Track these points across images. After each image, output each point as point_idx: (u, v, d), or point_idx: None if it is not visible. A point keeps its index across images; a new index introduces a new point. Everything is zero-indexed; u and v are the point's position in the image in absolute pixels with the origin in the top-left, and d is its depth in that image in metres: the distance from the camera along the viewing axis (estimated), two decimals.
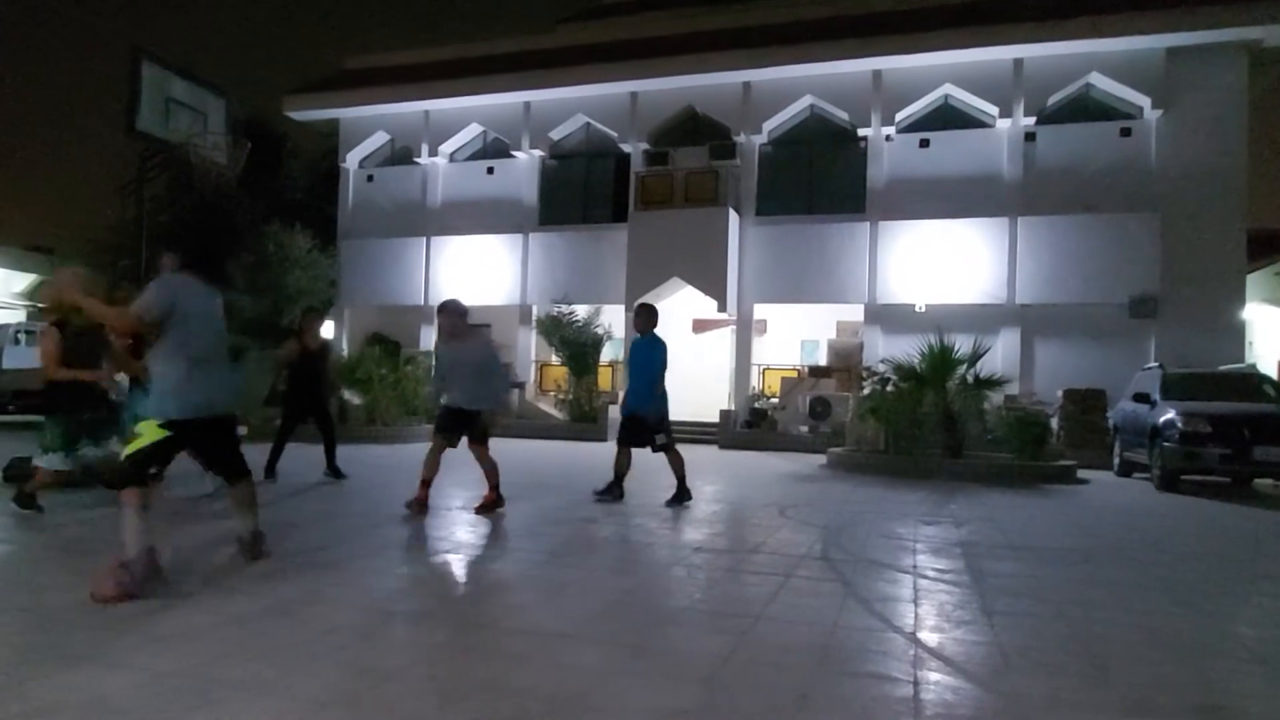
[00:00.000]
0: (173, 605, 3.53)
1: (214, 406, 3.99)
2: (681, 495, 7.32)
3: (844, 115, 18.19)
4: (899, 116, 17.73)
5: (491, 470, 6.53)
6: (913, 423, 11.59)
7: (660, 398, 7.37)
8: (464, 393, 6.44)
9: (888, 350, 15.30)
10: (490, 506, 6.41)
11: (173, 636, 3.08)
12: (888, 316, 17.58)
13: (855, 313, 18.23)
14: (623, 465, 7.48)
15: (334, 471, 8.27)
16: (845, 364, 17.60)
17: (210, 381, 3.95)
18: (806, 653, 3.15)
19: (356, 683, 2.67)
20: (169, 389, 3.85)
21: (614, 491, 7.45)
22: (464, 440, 6.50)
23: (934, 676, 2.92)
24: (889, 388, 12.25)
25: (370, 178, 22.24)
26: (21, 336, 18.79)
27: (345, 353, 19.42)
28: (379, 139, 22.01)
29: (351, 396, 15.84)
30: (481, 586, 4.12)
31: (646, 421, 7.30)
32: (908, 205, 17.49)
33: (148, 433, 3.82)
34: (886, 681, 2.87)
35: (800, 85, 18.19)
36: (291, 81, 23.08)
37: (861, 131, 17.99)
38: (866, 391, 12.85)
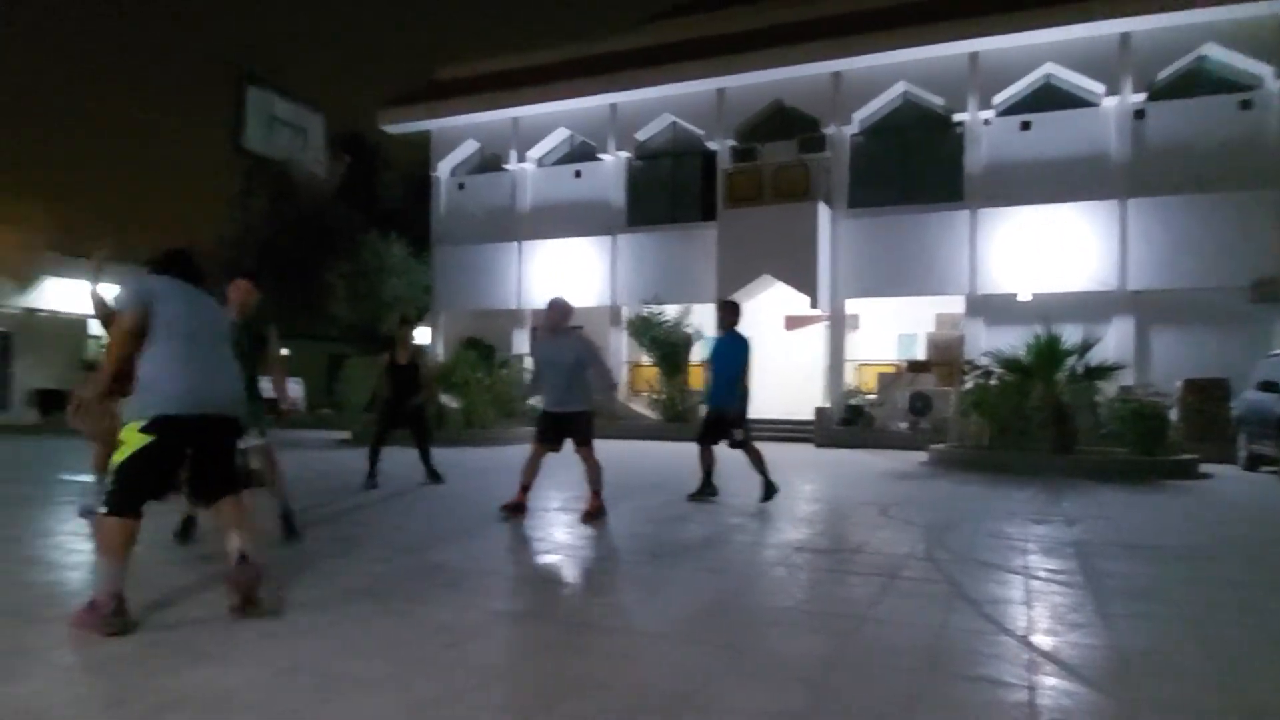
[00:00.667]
0: (293, 604, 3.68)
1: (204, 404, 3.45)
2: (770, 490, 7.15)
3: (939, 101, 17.62)
4: (997, 99, 17.05)
5: (594, 474, 6.29)
6: (1019, 417, 11.12)
7: (741, 395, 7.31)
8: (554, 395, 6.34)
9: (990, 342, 14.71)
10: (594, 515, 6.16)
11: (291, 634, 3.21)
12: (990, 307, 16.93)
13: (955, 304, 17.62)
14: (708, 463, 7.43)
15: (432, 475, 8.48)
16: (945, 358, 17.03)
17: (200, 378, 3.46)
18: (915, 655, 3.05)
19: (467, 680, 2.72)
20: (150, 386, 3.38)
21: (706, 491, 7.39)
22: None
23: (1049, 681, 2.78)
24: (993, 381, 11.78)
25: (461, 185, 22.83)
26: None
27: (440, 357, 19.99)
28: (469, 147, 22.57)
29: (448, 401, 16.28)
30: (583, 586, 4.16)
31: (727, 418, 7.24)
32: (1009, 191, 16.79)
33: (129, 439, 3.34)
34: (1000, 686, 2.74)
35: (892, 72, 17.71)
36: (385, 96, 23.89)
37: (958, 117, 17.38)
38: (969, 385, 12.39)
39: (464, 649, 3.06)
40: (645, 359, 19.45)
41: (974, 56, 17.04)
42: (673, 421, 17.37)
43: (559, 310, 6.49)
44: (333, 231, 25.25)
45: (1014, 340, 11.89)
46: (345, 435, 15.70)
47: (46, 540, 5.25)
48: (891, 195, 18.07)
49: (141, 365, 3.41)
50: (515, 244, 21.53)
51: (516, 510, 6.24)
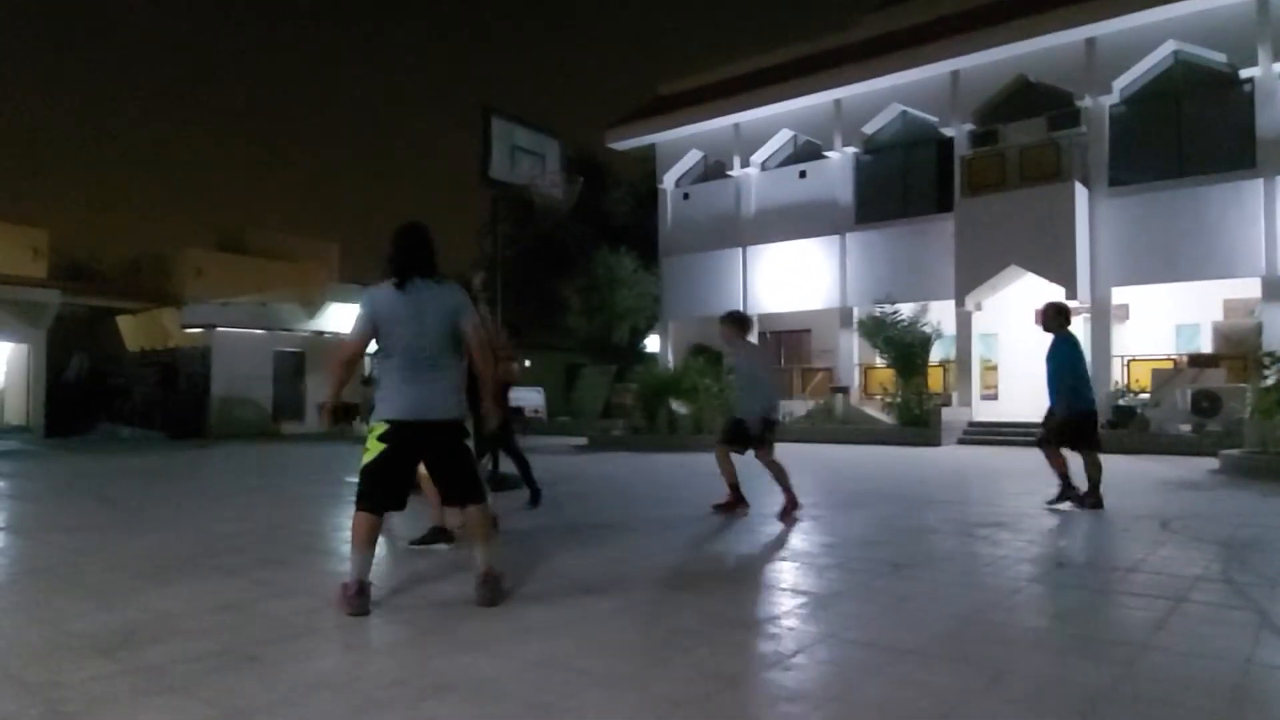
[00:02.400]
0: (538, 601, 3.91)
1: (425, 410, 3.66)
2: (1066, 496, 6.88)
3: (1220, 57, 15.38)
4: None
5: (779, 475, 6.56)
6: None
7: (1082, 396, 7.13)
8: (737, 401, 6.86)
9: None
10: (788, 512, 6.42)
11: (540, 629, 3.40)
12: None
13: (1248, 288, 15.26)
14: (1093, 472, 7.01)
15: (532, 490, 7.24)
16: (1238, 350, 14.80)
17: (420, 388, 3.67)
18: (1212, 692, 2.63)
19: (706, 685, 2.72)
20: (382, 397, 3.72)
21: (1068, 495, 6.92)
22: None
23: None
24: None
25: (686, 195, 23.29)
26: None
27: (671, 365, 20.46)
28: (692, 157, 22.98)
29: (678, 407, 16.63)
30: (820, 595, 4.03)
31: (1090, 419, 7.14)
32: None
33: (371, 446, 3.68)
34: None
35: (1160, 30, 15.73)
36: (611, 115, 24.99)
37: (1245, 73, 15.07)
38: (1271, 381, 10.63)
39: (699, 654, 3.07)
40: (879, 360, 18.70)
41: (1263, 1, 14.70)
42: (909, 425, 16.52)
43: (728, 321, 6.84)
44: (567, 248, 26.78)
45: None
46: (582, 441, 16.53)
47: (336, 533, 5.97)
48: (1162, 169, 16.03)
49: (378, 376, 3.80)
50: (740, 250, 21.60)
51: (729, 508, 6.64)
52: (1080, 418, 7.00)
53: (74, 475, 10.65)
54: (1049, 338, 7.13)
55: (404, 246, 3.78)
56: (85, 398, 22.74)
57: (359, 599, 3.59)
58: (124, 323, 24.92)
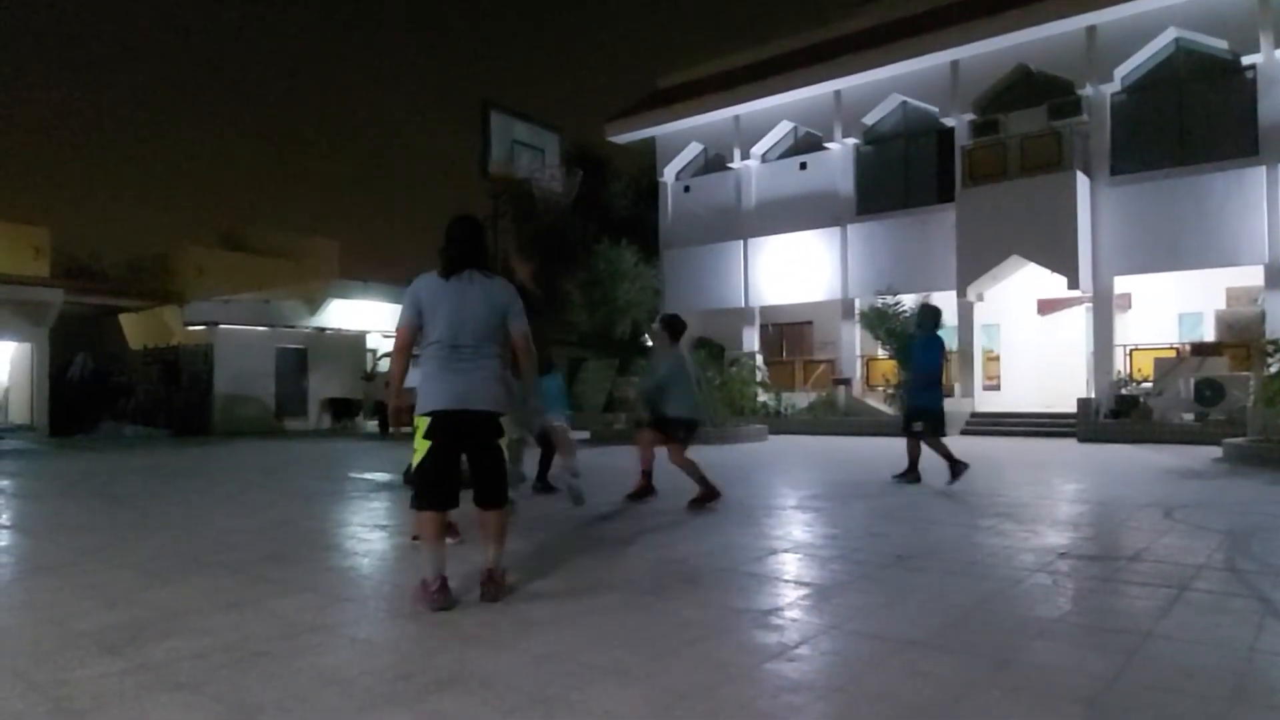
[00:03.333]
0: (542, 594, 3.92)
1: (465, 400, 3.65)
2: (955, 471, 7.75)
3: (1221, 44, 15.32)
4: None
5: (691, 471, 6.74)
6: None
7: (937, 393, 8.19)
8: (664, 401, 6.90)
9: None
10: (701, 501, 6.61)
11: (544, 622, 3.41)
12: None
13: (1251, 276, 15.23)
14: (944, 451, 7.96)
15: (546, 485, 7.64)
16: (1240, 338, 14.77)
17: (459, 378, 3.67)
18: (1216, 679, 2.64)
19: (711, 677, 2.73)
20: (424, 385, 3.70)
21: (909, 476, 8.09)
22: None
23: None
24: None
25: (687, 188, 23.25)
26: (410, 361, 22.35)
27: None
28: (693, 150, 22.93)
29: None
30: (823, 586, 4.04)
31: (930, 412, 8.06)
32: None
33: (419, 445, 3.66)
34: None
35: (1161, 17, 15.65)
36: (610, 108, 24.96)
37: (1247, 60, 15.02)
38: (1274, 370, 10.63)
39: (705, 645, 3.08)
40: (880, 352, 18.69)
41: None
42: None
43: (667, 327, 7.32)
44: (568, 242, 26.74)
45: None
46: (584, 435, 16.53)
47: (342, 529, 5.99)
48: (1164, 157, 15.98)
49: (422, 368, 3.73)
50: (740, 242, 21.56)
51: (642, 494, 7.02)
52: (922, 410, 8.09)
53: (78, 474, 10.68)
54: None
55: (454, 238, 3.79)
56: (89, 396, 22.77)
57: (440, 594, 3.60)
58: (127, 321, 24.94)
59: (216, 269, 25.75)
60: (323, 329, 24.51)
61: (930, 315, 8.24)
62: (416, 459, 3.67)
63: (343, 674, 2.80)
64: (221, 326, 22.19)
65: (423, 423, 3.65)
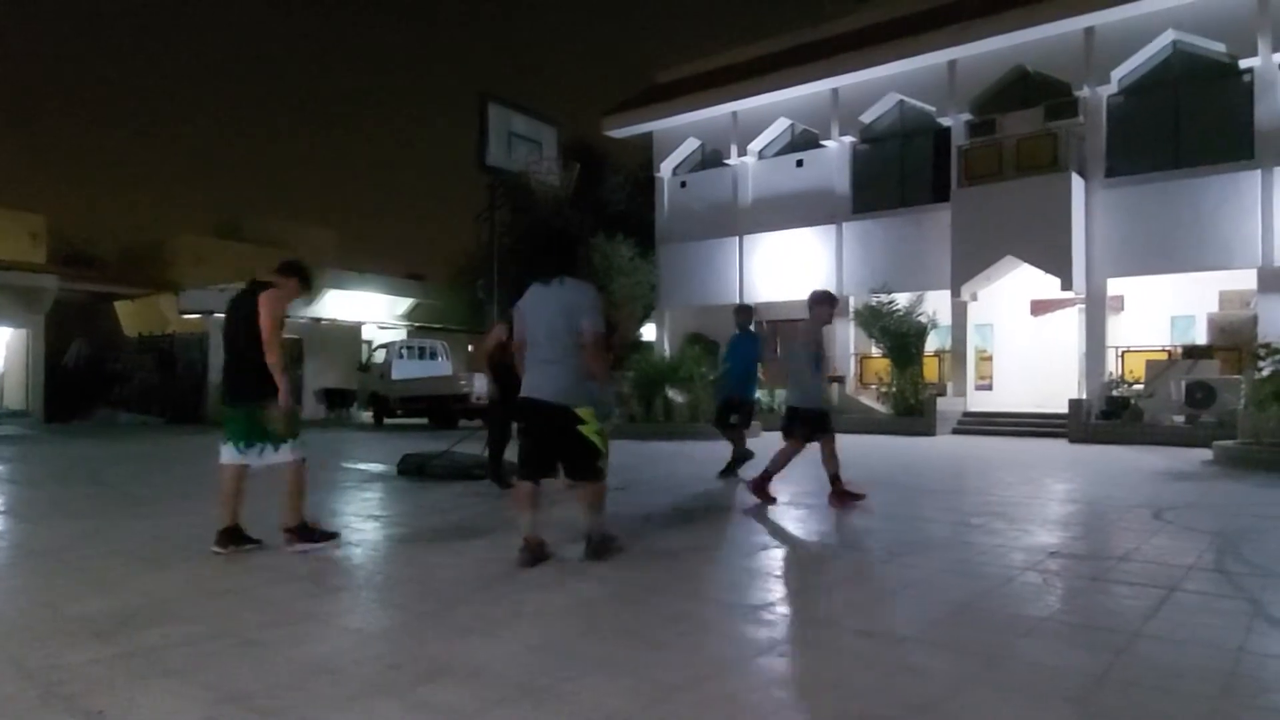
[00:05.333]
0: (533, 585, 3.93)
1: (537, 391, 4.24)
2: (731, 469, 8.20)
3: (1219, 47, 15.33)
4: None
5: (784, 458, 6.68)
6: None
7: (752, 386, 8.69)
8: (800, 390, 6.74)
9: None
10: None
11: (538, 614, 3.42)
12: None
13: (1244, 279, 15.26)
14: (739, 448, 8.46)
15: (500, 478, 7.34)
16: (1232, 341, 14.81)
17: (538, 372, 4.27)
18: (1204, 679, 2.66)
19: (702, 670, 2.74)
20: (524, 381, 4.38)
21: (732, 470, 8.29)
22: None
23: None
24: None
25: (683, 184, 23.21)
26: (405, 352, 22.34)
27: (667, 353, 20.47)
28: (690, 145, 22.89)
29: (675, 395, 16.65)
30: (818, 582, 4.05)
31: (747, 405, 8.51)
32: None
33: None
34: None
35: (1159, 20, 15.65)
36: (608, 103, 24.91)
37: (1244, 63, 15.02)
38: (1266, 373, 10.66)
39: (697, 639, 3.09)
40: (875, 350, 18.72)
41: None
42: (905, 415, 16.55)
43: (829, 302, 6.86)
44: (565, 236, 26.66)
45: None
46: None
47: (335, 519, 5.98)
48: (1159, 160, 16.00)
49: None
50: (736, 238, 21.55)
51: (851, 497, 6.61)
52: (740, 403, 8.50)
53: (73, 460, 10.65)
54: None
55: (541, 249, 4.58)
56: (84, 383, 22.69)
57: (523, 553, 4.24)
58: (122, 308, 24.84)
59: (213, 258, 25.65)
60: (319, 319, 24.46)
61: (745, 314, 8.89)
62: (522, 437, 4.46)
63: (333, 663, 2.81)
64: (217, 315, 22.07)
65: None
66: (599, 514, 4.50)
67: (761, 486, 6.53)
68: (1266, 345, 11.34)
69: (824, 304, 6.66)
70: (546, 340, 4.25)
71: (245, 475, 4.67)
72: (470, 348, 26.95)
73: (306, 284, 4.80)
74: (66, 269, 23.48)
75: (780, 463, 6.56)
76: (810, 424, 6.53)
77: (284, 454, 4.64)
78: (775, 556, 4.69)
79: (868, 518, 6.05)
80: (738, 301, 21.21)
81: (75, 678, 2.63)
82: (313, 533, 4.74)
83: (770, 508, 6.36)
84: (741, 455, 8.40)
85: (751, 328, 8.84)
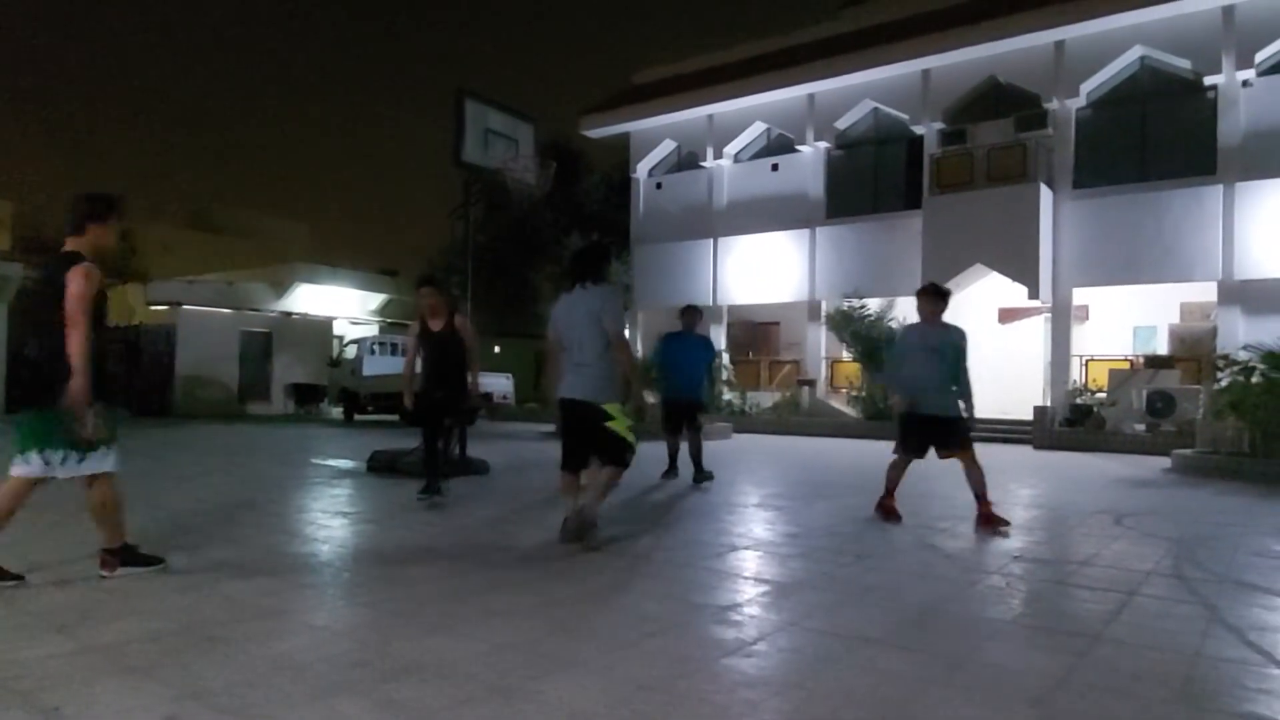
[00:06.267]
0: (503, 585, 3.92)
1: (570, 390, 4.71)
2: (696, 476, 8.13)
3: (1185, 63, 15.69)
4: (1259, 57, 14.92)
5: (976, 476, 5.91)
6: None
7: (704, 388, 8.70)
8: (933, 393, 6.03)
9: (1251, 334, 12.95)
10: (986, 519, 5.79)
11: (506, 613, 3.40)
12: (1251, 294, 14.87)
13: (1205, 292, 15.63)
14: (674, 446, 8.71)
15: (432, 488, 6.40)
16: (1192, 352, 15.17)
17: (571, 370, 4.72)
18: (1162, 682, 2.72)
19: (669, 670, 2.75)
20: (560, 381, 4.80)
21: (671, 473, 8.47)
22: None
23: None
24: (1255, 378, 10.31)
25: (659, 185, 23.25)
26: (376, 348, 22.13)
27: (640, 353, 20.47)
28: (666, 147, 22.94)
29: (647, 396, 16.64)
30: (784, 584, 4.08)
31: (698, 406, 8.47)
32: (1276, 161, 14.65)
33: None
34: None
35: (1127, 35, 15.98)
36: (585, 102, 24.88)
37: (1209, 80, 15.39)
38: (1224, 383, 10.93)
39: (664, 639, 3.10)
40: (846, 354, 18.88)
41: (1229, 10, 15.02)
42: (874, 419, 16.71)
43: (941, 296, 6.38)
44: (539, 235, 26.61)
45: None
46: (550, 428, 16.49)
47: (302, 515, 5.92)
48: (1125, 173, 16.33)
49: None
50: (711, 241, 21.63)
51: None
52: (699, 405, 8.49)
53: None
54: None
55: (575, 258, 4.95)
56: (47, 375, 22.21)
57: (563, 531, 4.74)
58: None
59: (182, 248, 25.26)
60: (289, 313, 24.15)
61: (694, 315, 8.73)
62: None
63: (297, 659, 2.77)
64: (185, 307, 21.79)
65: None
66: (602, 498, 4.81)
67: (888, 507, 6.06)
68: (1225, 357, 11.62)
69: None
70: (577, 345, 4.70)
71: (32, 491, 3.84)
72: None
73: (111, 212, 3.95)
74: (31, 256, 22.94)
75: (895, 478, 6.11)
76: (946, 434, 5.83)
77: (91, 464, 3.80)
78: (743, 558, 4.71)
79: (836, 520, 6.09)
80: (711, 304, 21.32)
81: (32, 673, 2.58)
82: (136, 556, 3.96)
83: (737, 509, 6.38)
84: (700, 453, 8.32)
85: (698, 331, 8.79)
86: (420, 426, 6.64)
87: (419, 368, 6.61)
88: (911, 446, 5.99)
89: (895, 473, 6.12)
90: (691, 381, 8.41)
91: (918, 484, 7.86)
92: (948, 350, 5.94)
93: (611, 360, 4.70)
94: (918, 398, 5.86)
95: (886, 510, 6.05)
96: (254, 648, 2.88)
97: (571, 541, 4.70)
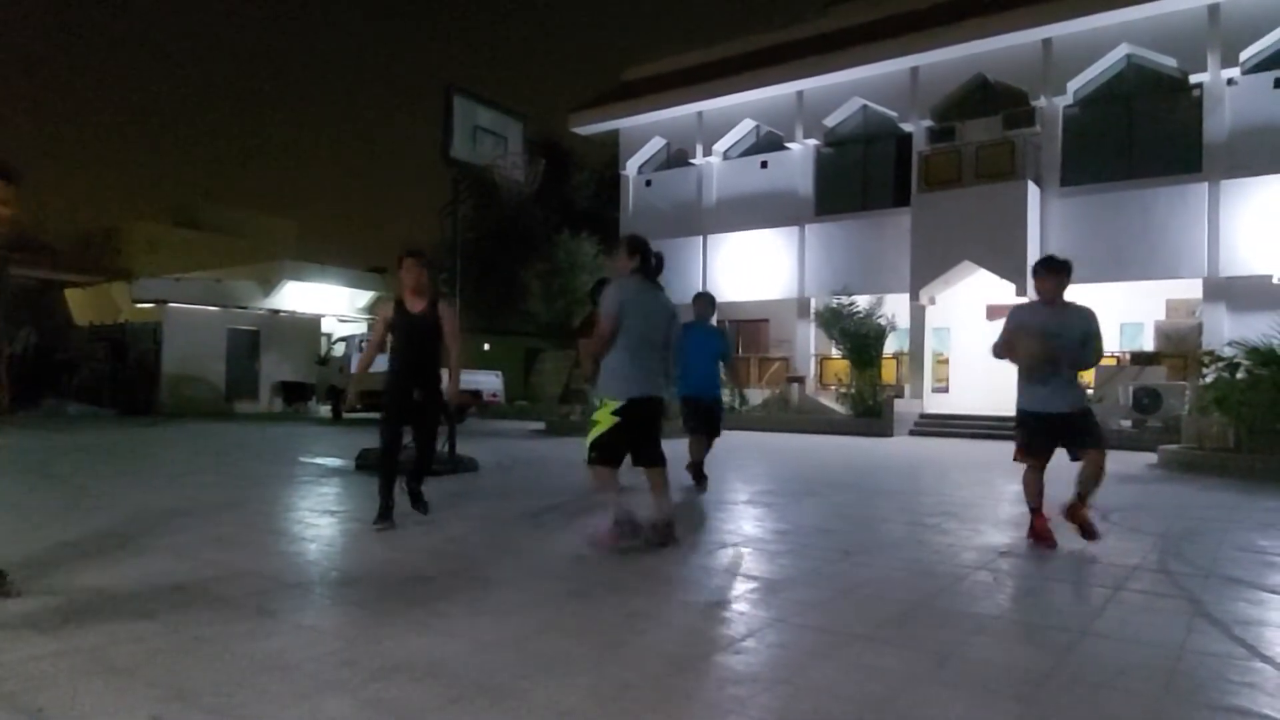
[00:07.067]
0: (491, 583, 3.91)
1: (651, 389, 4.58)
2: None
3: (1170, 62, 15.79)
4: (1244, 56, 15.03)
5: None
6: (1275, 416, 9.74)
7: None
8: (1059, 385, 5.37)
9: (1235, 330, 13.04)
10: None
11: (493, 612, 3.40)
12: (1235, 291, 14.99)
13: (1190, 289, 15.76)
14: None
15: (416, 499, 5.75)
16: (1178, 349, 15.28)
17: (644, 368, 4.55)
18: (1147, 677, 2.74)
19: (658, 668, 2.75)
20: (616, 376, 4.51)
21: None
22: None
23: None
24: (1239, 375, 10.39)
25: (649, 182, 23.25)
26: (364, 345, 21.99)
27: None
28: (655, 144, 22.93)
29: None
30: (772, 581, 4.09)
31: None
32: (1260, 159, 14.76)
33: (603, 420, 4.49)
34: (1255, 718, 2.40)
35: (1114, 34, 16.08)
36: (575, 99, 24.82)
37: (1195, 78, 15.49)
38: (1209, 379, 11.00)
39: (653, 636, 3.10)
40: (835, 351, 18.94)
41: (1214, 9, 15.12)
42: (863, 416, 16.77)
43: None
44: (529, 232, 26.55)
45: (1266, 328, 10.43)
46: (539, 426, 16.47)
47: (289, 514, 5.89)
48: (1112, 170, 16.43)
49: (612, 354, 4.51)
50: (700, 238, 21.65)
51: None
52: (718, 405, 7.61)
53: (18, 452, 10.32)
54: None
55: (648, 254, 4.70)
56: (31, 373, 22.02)
57: (618, 535, 4.51)
58: (73, 296, 24.14)
59: (168, 246, 25.08)
60: (276, 311, 24.02)
61: (706, 304, 7.74)
62: (599, 431, 4.49)
63: (285, 659, 2.76)
64: (171, 305, 21.62)
65: (613, 404, 4.47)
66: (670, 498, 4.81)
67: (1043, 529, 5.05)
68: (1210, 353, 11.71)
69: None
70: (658, 340, 4.64)
71: None
72: None
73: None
74: (14, 254, 22.74)
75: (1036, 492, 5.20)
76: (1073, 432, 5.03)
77: None
78: (731, 555, 4.72)
79: (824, 517, 6.11)
80: None
81: (15, 674, 2.56)
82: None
83: (726, 506, 6.38)
84: (701, 463, 7.40)
85: (712, 321, 8.08)
86: (384, 429, 5.46)
87: (391, 360, 5.63)
88: (1037, 448, 5.23)
89: (1033, 483, 5.19)
90: (707, 377, 7.45)
91: (906, 480, 7.89)
92: (1074, 336, 5.16)
93: (668, 360, 4.77)
94: (1037, 393, 5.19)
95: (1040, 534, 4.97)
96: (241, 647, 2.86)
97: (664, 545, 4.62)
